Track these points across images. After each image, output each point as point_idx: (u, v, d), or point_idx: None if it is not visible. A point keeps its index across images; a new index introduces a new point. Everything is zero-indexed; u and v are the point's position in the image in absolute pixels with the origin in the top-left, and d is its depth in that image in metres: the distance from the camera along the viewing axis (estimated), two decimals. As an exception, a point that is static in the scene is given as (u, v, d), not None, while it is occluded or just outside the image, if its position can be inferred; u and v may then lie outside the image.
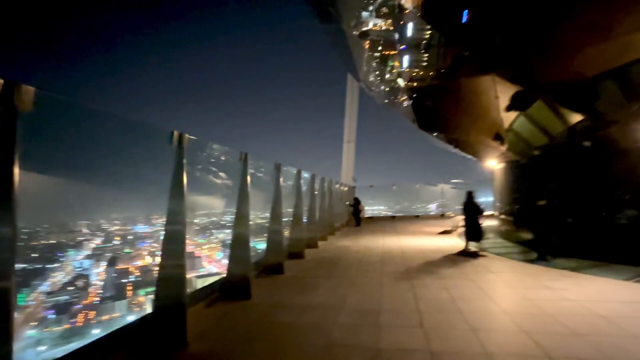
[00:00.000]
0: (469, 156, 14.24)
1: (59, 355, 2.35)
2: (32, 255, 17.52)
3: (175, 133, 2.58)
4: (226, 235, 21.68)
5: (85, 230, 20.59)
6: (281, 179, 5.48)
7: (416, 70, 11.63)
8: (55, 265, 17.95)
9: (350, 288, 4.42)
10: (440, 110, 10.71)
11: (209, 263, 21.10)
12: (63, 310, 14.84)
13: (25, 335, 12.74)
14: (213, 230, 24.23)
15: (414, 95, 11.88)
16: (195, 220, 23.76)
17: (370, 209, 20.31)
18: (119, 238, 21.46)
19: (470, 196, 6.88)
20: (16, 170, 1.33)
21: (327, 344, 2.74)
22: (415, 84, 11.46)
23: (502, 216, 10.77)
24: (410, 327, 3.09)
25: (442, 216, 17.39)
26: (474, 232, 6.67)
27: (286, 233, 6.27)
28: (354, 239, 9.54)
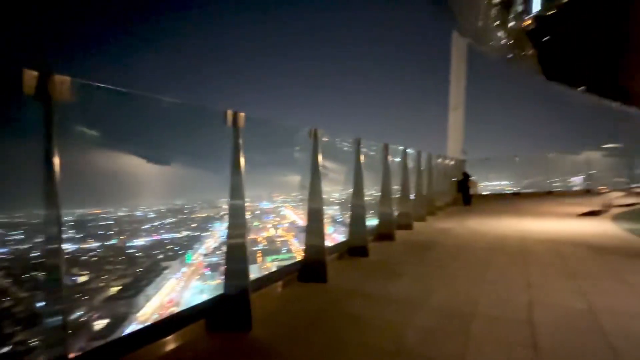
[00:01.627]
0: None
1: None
2: (192, 225, 22.27)
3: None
4: (335, 211, 22.78)
5: (224, 206, 25.03)
6: (361, 155, 5.16)
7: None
8: (207, 233, 22.33)
9: (440, 280, 3.76)
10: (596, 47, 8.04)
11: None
12: (215, 268, 18.57)
13: (192, 285, 16.48)
14: (324, 207, 25.72)
15: (546, 38, 9.27)
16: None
17: (489, 185, 17.55)
18: (249, 213, 25.31)
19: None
20: (56, 161, 1.38)
21: (395, 350, 2.29)
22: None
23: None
24: (516, 345, 2.26)
25: (588, 192, 13.56)
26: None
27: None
28: (459, 221, 8.37)
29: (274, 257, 20.81)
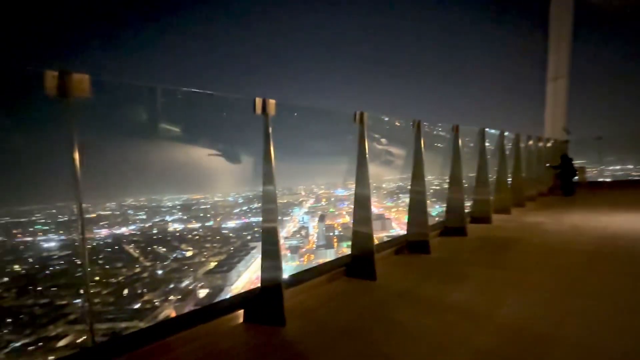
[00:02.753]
0: None
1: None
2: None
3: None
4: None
5: (302, 193, 26.31)
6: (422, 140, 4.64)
7: None
8: (287, 218, 23.86)
9: (515, 288, 2.98)
10: None
11: (398, 225, 22.19)
12: (295, 250, 19.83)
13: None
14: (400, 195, 25.01)
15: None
16: (383, 185, 25.25)
17: (606, 170, 14.33)
18: (325, 200, 26.10)
19: None
20: (76, 156, 1.40)
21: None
22: None
23: None
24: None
25: None
26: None
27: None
28: (553, 214, 6.72)
29: (349, 243, 21.30)
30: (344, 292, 2.99)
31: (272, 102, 2.39)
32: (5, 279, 11.03)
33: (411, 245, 4.32)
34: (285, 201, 25.12)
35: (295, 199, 25.62)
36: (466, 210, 5.46)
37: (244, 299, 2.49)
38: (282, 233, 21.30)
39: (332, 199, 25.89)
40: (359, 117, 3.34)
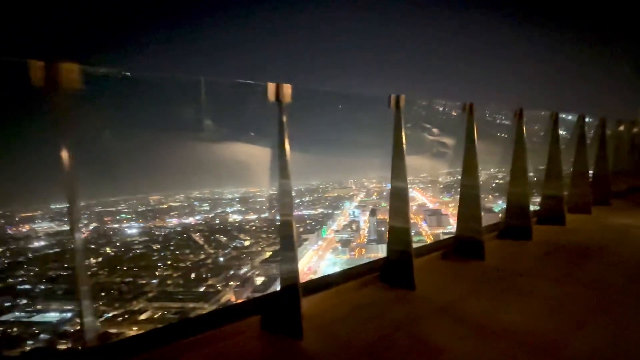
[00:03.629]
0: None
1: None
2: (325, 203, 24.40)
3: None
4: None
5: (353, 187, 26.22)
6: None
7: None
8: (338, 211, 24.05)
9: (597, 313, 2.29)
10: None
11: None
12: (345, 244, 19.94)
13: (326, 257, 18.23)
14: (459, 189, 23.61)
15: None
16: (439, 179, 24.01)
17: None
18: (376, 194, 25.68)
19: None
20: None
21: None
22: None
23: None
24: None
25: None
26: None
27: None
28: None
29: (402, 238, 20.79)
30: (375, 302, 2.59)
31: (287, 87, 2.16)
32: (100, 259, 12.98)
33: (461, 248, 3.68)
34: (335, 195, 25.33)
35: (345, 193, 25.68)
36: (533, 208, 4.57)
37: (260, 304, 2.31)
38: (333, 226, 21.53)
39: (384, 193, 25.45)
40: (394, 102, 2.86)
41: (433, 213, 20.28)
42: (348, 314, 2.39)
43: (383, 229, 21.42)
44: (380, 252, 19.32)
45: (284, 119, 2.12)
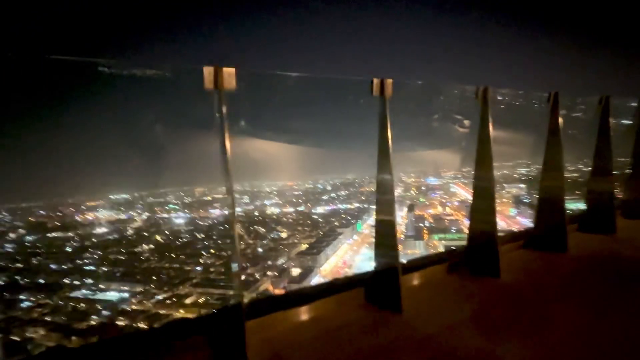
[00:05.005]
0: None
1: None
2: (361, 198, 24.36)
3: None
4: (519, 190, 19.08)
5: (390, 182, 25.82)
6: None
7: None
8: (374, 206, 23.88)
9: None
10: None
11: (501, 219, 19.81)
12: (381, 240, 19.79)
13: (361, 252, 18.15)
14: (504, 184, 22.22)
15: None
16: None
17: None
18: (415, 189, 25.00)
19: None
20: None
21: None
22: None
23: None
24: None
25: None
26: None
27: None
28: None
29: (441, 235, 19.91)
30: (352, 324, 1.98)
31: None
32: (151, 246, 14.17)
33: (470, 260, 2.92)
34: (371, 189, 25.05)
35: (382, 187, 25.25)
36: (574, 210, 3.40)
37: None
38: (369, 221, 21.33)
39: (423, 188, 24.56)
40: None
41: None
42: (308, 342, 1.86)
43: (421, 224, 20.82)
44: (417, 248, 18.81)
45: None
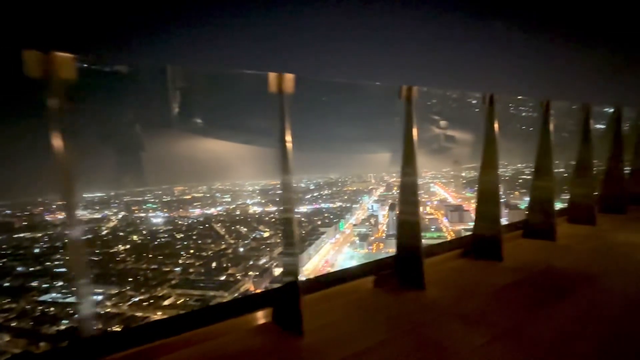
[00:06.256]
0: None
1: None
2: (344, 197, 24.48)
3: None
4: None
5: (372, 181, 25.98)
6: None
7: None
8: (356, 205, 23.99)
9: None
10: None
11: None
12: (363, 238, 19.89)
13: (344, 251, 18.24)
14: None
15: None
16: (462, 174, 23.40)
17: None
18: (397, 188, 25.34)
19: None
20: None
21: None
22: None
23: None
24: None
25: None
26: None
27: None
28: None
29: (422, 234, 20.46)
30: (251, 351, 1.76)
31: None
32: (128, 247, 13.66)
33: (399, 271, 2.59)
34: (354, 189, 25.21)
35: (364, 187, 25.50)
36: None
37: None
38: (351, 220, 21.50)
39: (404, 188, 25.03)
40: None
41: (455, 209, 19.77)
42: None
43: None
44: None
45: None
